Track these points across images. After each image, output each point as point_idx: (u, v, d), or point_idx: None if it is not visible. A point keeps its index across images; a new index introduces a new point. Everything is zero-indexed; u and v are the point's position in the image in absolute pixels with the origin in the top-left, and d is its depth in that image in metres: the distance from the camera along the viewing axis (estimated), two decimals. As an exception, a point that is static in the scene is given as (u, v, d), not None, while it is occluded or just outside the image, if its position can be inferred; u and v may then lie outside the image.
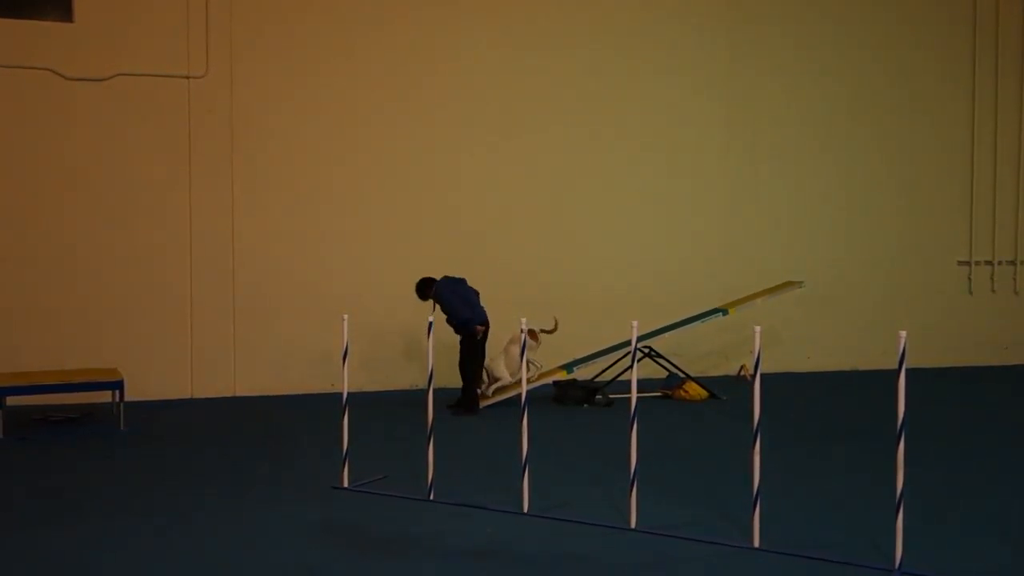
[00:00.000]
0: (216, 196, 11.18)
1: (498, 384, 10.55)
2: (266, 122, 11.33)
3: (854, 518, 6.32)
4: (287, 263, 11.45)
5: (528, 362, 10.43)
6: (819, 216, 13.34)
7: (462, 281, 10.34)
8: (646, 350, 11.10)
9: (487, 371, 10.55)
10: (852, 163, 13.46)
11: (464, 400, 10.16)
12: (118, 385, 9.38)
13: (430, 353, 6.84)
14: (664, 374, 11.31)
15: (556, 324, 10.69)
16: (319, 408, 10.27)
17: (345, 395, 7.03)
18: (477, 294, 10.36)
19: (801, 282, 11.89)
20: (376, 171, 11.74)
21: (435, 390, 6.95)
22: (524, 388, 6.56)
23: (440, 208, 11.91)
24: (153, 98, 10.95)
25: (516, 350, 10.48)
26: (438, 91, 11.92)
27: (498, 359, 10.56)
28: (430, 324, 7.11)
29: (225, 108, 11.16)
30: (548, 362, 10.96)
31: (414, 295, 10.39)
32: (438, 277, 10.32)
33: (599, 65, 12.43)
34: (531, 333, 10.49)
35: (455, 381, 10.38)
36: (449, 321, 10.20)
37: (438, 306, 10.12)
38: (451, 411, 10.05)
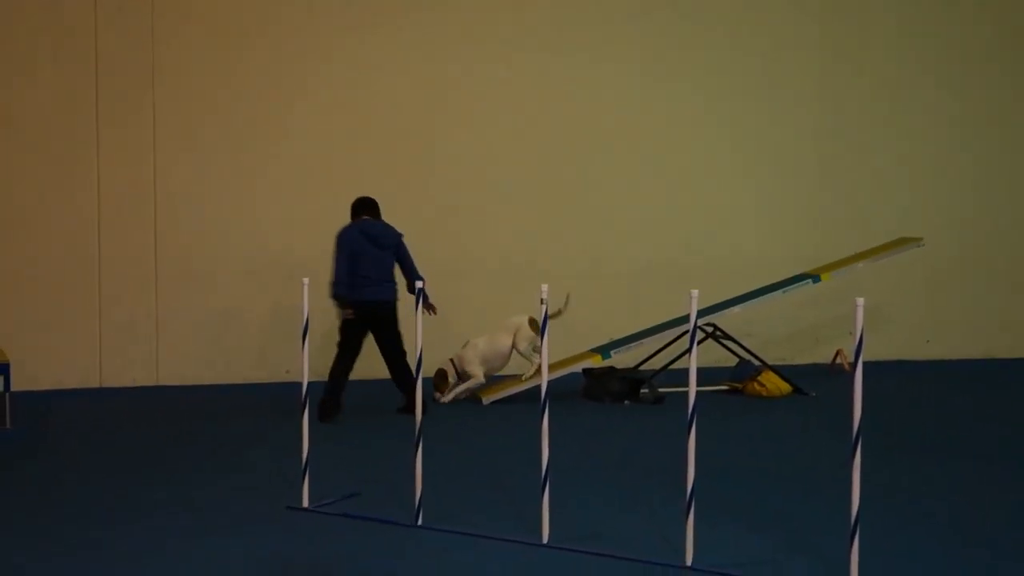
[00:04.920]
0: (132, 130, 11.23)
1: (467, 385, 10.62)
2: (197, 33, 11.34)
3: (974, 554, 6.33)
4: (226, 218, 11.50)
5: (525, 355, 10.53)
6: (942, 163, 13.36)
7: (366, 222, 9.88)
8: (709, 329, 11.12)
9: (454, 366, 10.61)
10: (982, 95, 13.43)
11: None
12: (3, 370, 9.45)
13: (419, 331, 6.84)
14: (733, 361, 11.35)
15: (567, 303, 10.60)
16: (269, 402, 10.33)
17: (305, 385, 7.04)
18: (382, 247, 9.80)
19: (920, 239, 11.86)
20: (342, 103, 11.77)
21: (423, 379, 6.97)
22: (544, 380, 6.56)
23: (425, 151, 11.93)
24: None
25: (502, 342, 10.47)
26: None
27: (470, 351, 10.58)
28: (420, 291, 7.12)
29: (144, 14, 11.14)
30: (576, 344, 10.98)
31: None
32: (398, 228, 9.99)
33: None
34: (531, 322, 10.49)
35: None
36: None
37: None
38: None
